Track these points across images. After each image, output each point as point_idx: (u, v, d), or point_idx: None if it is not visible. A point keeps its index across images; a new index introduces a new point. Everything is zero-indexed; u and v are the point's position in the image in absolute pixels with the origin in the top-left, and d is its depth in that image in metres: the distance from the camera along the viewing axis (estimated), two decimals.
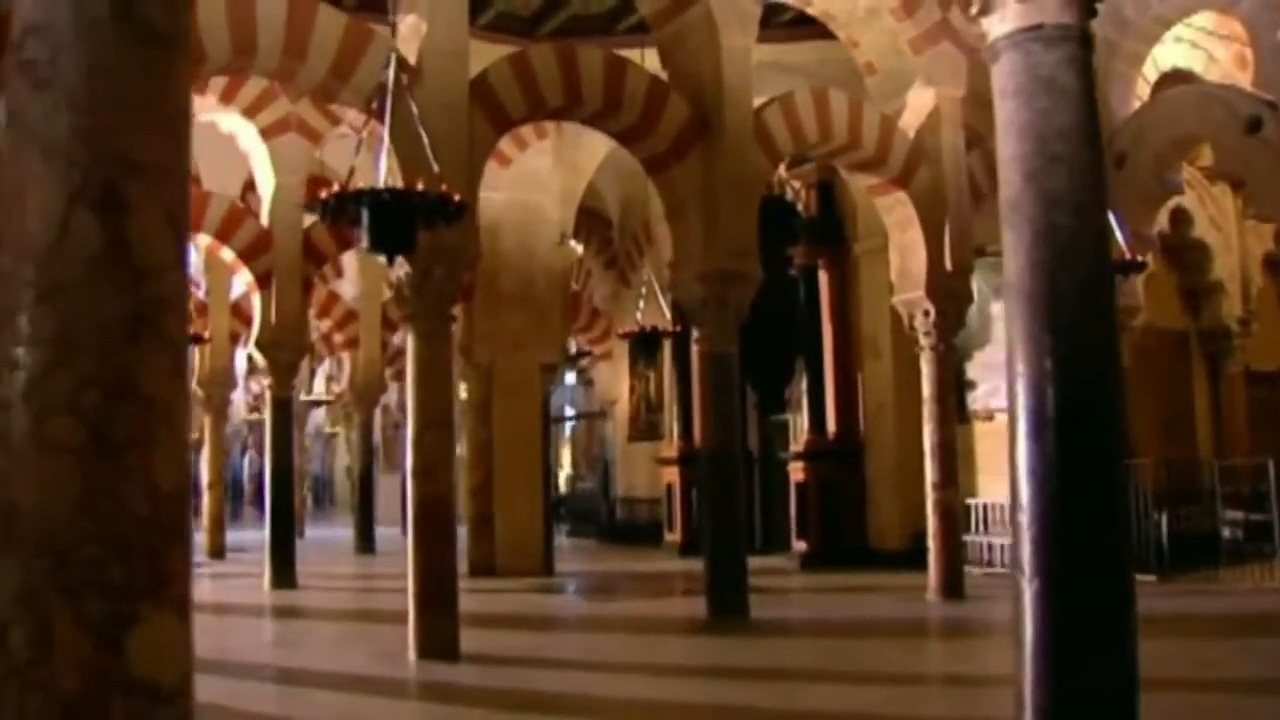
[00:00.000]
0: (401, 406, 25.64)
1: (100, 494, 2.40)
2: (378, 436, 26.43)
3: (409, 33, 9.76)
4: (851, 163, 12.75)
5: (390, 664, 9.14)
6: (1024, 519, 4.56)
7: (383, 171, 7.16)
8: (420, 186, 6.85)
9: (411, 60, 9.42)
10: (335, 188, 6.81)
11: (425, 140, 7.44)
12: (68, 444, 2.39)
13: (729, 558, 11.13)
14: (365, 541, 20.44)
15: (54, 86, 2.48)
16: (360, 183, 6.91)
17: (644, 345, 16.48)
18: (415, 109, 7.64)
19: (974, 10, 4.80)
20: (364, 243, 6.84)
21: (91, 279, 2.44)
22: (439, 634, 9.22)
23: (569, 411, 28.83)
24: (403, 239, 6.81)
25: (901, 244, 12.90)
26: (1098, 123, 4.71)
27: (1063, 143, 4.58)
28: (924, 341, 12.69)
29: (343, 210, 6.72)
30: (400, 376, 24.76)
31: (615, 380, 22.79)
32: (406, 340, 9.65)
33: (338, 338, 21.80)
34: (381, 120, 7.46)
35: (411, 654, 9.16)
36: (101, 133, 2.48)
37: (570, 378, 27.02)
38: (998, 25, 4.71)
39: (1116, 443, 4.60)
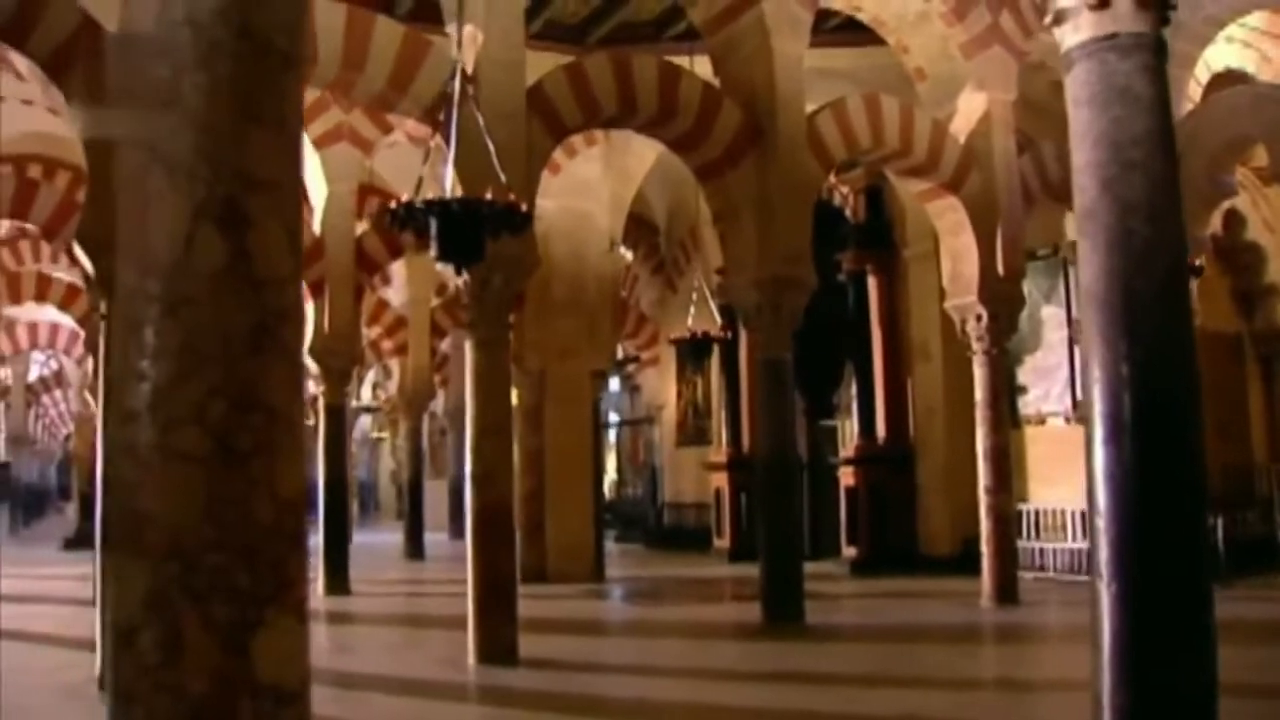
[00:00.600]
0: (449, 412, 25.81)
1: (226, 502, 2.47)
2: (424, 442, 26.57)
3: (465, 42, 9.85)
4: (903, 168, 12.75)
5: (451, 668, 9.21)
6: (1102, 523, 4.57)
7: (449, 182, 7.24)
8: (488, 196, 6.92)
9: (468, 70, 9.51)
10: (404, 197, 6.89)
11: (492, 150, 7.52)
12: (195, 453, 2.46)
13: (784, 563, 11.14)
14: (414, 547, 20.56)
15: (177, 106, 2.55)
16: (429, 193, 6.99)
17: (694, 351, 16.50)
18: (481, 119, 7.71)
19: (1047, 20, 4.82)
20: (433, 252, 6.92)
21: (216, 292, 2.50)
22: (498, 639, 9.29)
23: (613, 418, 28.89)
24: (471, 248, 6.88)
25: (953, 249, 12.89)
26: (1172, 129, 4.73)
27: (1138, 150, 4.59)
28: (976, 346, 12.66)
29: (411, 220, 6.80)
30: (446, 383, 24.92)
31: (662, 386, 22.85)
32: (465, 348, 9.71)
33: (386, 344, 21.95)
34: (446, 131, 7.54)
35: (471, 658, 9.23)
36: (224, 150, 2.55)
37: (615, 384, 27.08)
38: (1071, 35, 4.73)
39: (1195, 446, 4.59)
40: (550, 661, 9.42)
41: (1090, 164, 4.67)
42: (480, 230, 6.81)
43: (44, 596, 16.01)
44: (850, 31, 14.05)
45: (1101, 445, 4.60)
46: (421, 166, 7.40)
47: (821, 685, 8.49)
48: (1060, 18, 4.76)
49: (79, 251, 8.91)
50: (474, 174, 7.95)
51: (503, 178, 7.29)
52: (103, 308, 8.85)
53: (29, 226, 15.01)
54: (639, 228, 20.60)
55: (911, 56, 13.23)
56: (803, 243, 11.24)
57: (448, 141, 7.55)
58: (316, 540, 15.26)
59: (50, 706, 8.07)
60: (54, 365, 33.57)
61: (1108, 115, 4.62)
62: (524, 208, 7.15)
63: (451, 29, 10.17)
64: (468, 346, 9.70)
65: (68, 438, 44.08)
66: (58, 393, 35.65)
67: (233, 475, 2.48)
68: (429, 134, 10.03)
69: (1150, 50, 4.66)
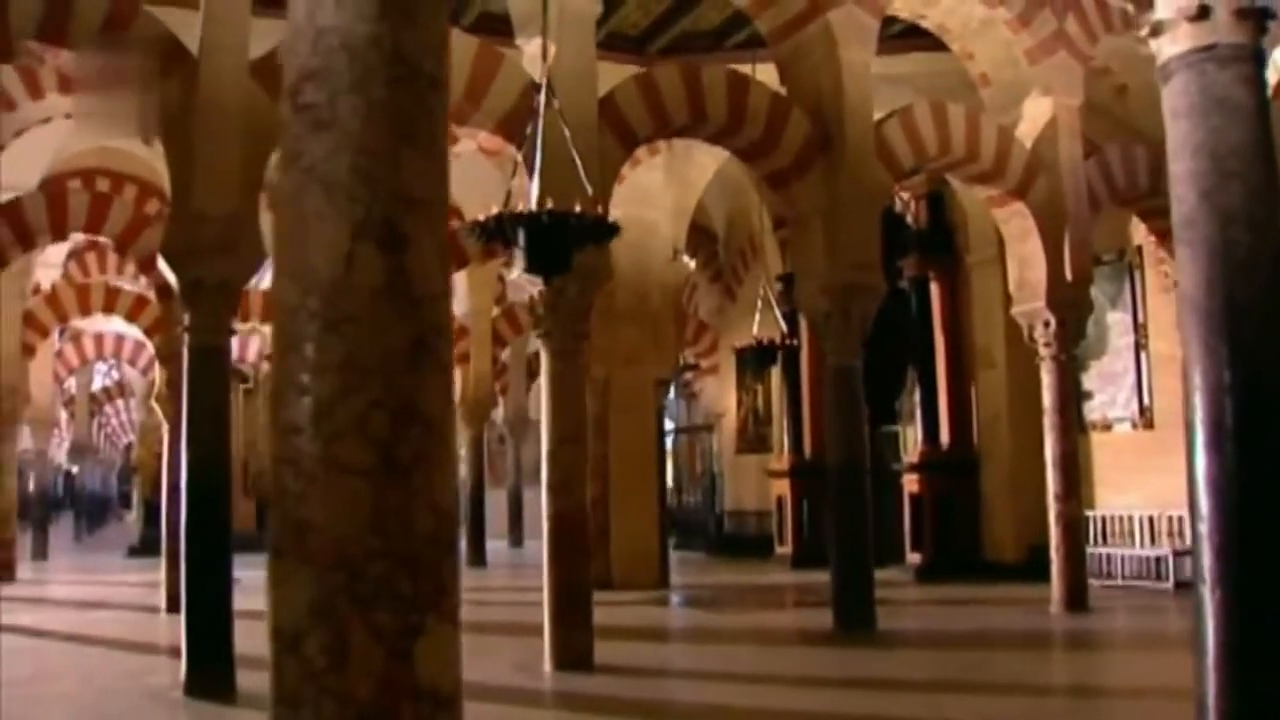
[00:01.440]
0: (508, 421, 25.95)
1: (389, 512, 2.55)
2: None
3: (536, 55, 9.96)
4: (969, 175, 12.74)
5: (527, 675, 9.28)
6: (1204, 529, 4.59)
7: (535, 194, 7.33)
8: (577, 208, 7.01)
9: (540, 82, 9.61)
10: (493, 210, 6.99)
11: (578, 162, 7.61)
12: (358, 465, 2.54)
13: (855, 570, 11.15)
14: (477, 555, 20.69)
15: (334, 128, 2.64)
16: (517, 205, 7.09)
17: (759, 358, 16.52)
18: (566, 131, 7.80)
19: (1143, 32, 4.85)
20: (521, 264, 7.02)
21: (376, 309, 2.59)
22: (574, 645, 9.37)
23: (670, 425, 28.94)
24: (559, 260, 6.98)
25: (1020, 255, 12.86)
26: (1271, 139, 4.74)
27: (1237, 159, 4.62)
28: (1044, 352, 12.64)
29: (500, 232, 6.90)
30: (505, 391, 25.08)
31: (722, 393, 22.89)
32: (541, 357, 9.81)
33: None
34: (531, 143, 7.64)
35: (547, 665, 9.31)
36: (380, 171, 2.63)
37: (671, 391, 27.14)
38: (1169, 46, 4.76)
39: None
40: (624, 668, 9.48)
41: (1189, 174, 4.70)
42: (568, 242, 6.91)
43: (114, 603, 16.28)
44: (910, 38, 14.05)
45: (1203, 451, 4.62)
46: (509, 180, 7.50)
47: (899, 691, 8.52)
48: (1157, 30, 4.79)
49: (163, 264, 9.07)
50: (556, 186, 8.04)
51: (589, 190, 7.38)
52: (185, 319, 9.01)
53: (102, 240, 15.20)
54: (698, 236, 20.65)
55: (976, 63, 13.22)
56: (872, 250, 11.26)
57: (532, 154, 7.64)
58: None
59: (137, 711, 8.22)
60: (114, 375, 34.04)
61: (1206, 125, 4.65)
62: (611, 219, 7.24)
63: (522, 42, 10.31)
64: (543, 355, 9.80)
65: (128, 446, 44.70)
66: (119, 402, 36.13)
67: (395, 486, 2.56)
68: (501, 146, 10.18)
69: (1249, 60, 4.68)
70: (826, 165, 11.28)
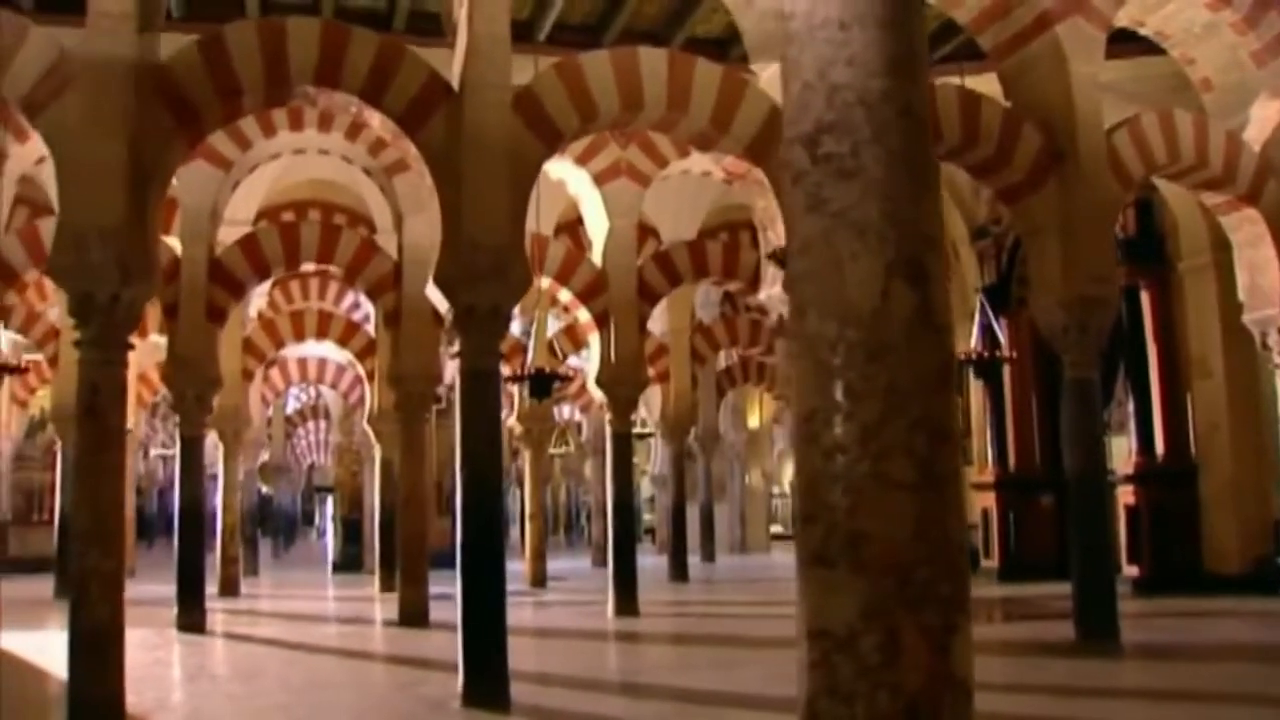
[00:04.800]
0: (699, 438, 26.26)
1: (930, 522, 2.82)
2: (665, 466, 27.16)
3: (775, 81, 10.24)
4: (1197, 182, 12.65)
5: (787, 684, 9.42)
6: None
7: None
8: None
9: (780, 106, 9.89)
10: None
11: None
12: (904, 480, 2.82)
13: (1098, 580, 11.16)
14: (679, 569, 20.99)
15: (859, 176, 2.93)
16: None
17: (979, 371, 16.53)
18: None
19: None
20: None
21: (909, 339, 2.86)
22: None
23: None
24: None
25: (1251, 261, 12.73)
26: None
27: None
28: (1278, 359, 12.48)
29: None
30: (697, 407, 25.39)
31: None
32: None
33: (649, 371, 22.49)
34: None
35: None
36: (903, 213, 2.91)
37: None
38: None
39: None
40: None
41: None
42: None
43: (345, 617, 16.91)
44: (1118, 44, 13.92)
45: None
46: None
47: (1176, 702, 8.51)
48: None
49: (434, 292, 9.52)
50: None
51: None
52: (457, 344, 9.45)
53: (332, 269, 15.93)
54: None
55: (1197, 67, 13.15)
56: (1108, 262, 11.31)
57: None
58: (573, 564, 15.74)
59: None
60: (304, 398, 35.27)
61: None
62: None
63: (758, 67, 10.61)
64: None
65: (310, 466, 46.20)
66: (311, 424, 37.38)
67: (935, 499, 2.83)
68: (747, 170, 10.48)
69: None
70: (1059, 179, 11.35)
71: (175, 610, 13.81)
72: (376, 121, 9.90)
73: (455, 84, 9.59)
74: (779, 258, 7.34)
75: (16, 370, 13.36)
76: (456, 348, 9.44)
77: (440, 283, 9.38)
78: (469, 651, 8.98)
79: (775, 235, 10.20)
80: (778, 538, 34.19)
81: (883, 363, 2.83)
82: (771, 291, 10.06)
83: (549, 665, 11.14)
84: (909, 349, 2.85)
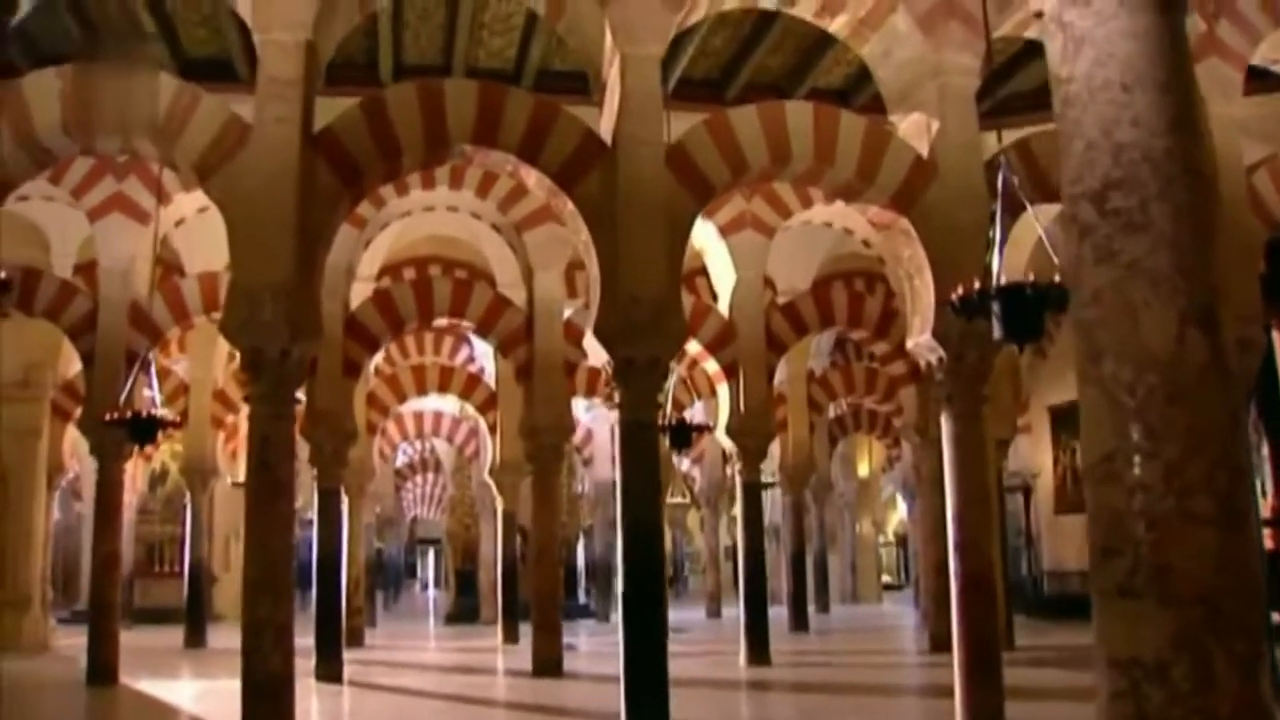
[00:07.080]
0: (811, 486, 26.26)
1: (1231, 555, 2.97)
2: (778, 516, 27.16)
3: (914, 130, 10.41)
4: None
5: None
6: None
7: (998, 266, 7.76)
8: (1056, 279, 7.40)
9: (924, 156, 10.07)
10: (975, 284, 7.44)
11: (1043, 236, 8.01)
12: (1207, 516, 2.98)
13: None
14: (799, 620, 20.96)
15: (1149, 230, 3.11)
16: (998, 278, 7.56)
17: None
18: (1029, 209, 8.21)
19: None
20: (997, 333, 7.45)
21: (1203, 381, 3.03)
22: (986, 706, 9.56)
23: None
24: (1034, 327, 7.40)
25: None
26: None
27: None
28: None
29: (983, 305, 7.35)
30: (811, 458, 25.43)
31: (1034, 453, 22.76)
32: (942, 421, 10.13)
33: None
34: (1004, 221, 8.08)
35: None
36: (1192, 264, 3.09)
37: None
38: None
39: None
40: None
41: None
42: (1043, 310, 7.32)
43: (476, 667, 17.04)
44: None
45: None
46: (987, 255, 7.95)
47: None
48: None
49: (594, 344, 9.77)
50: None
51: (1055, 259, 7.76)
52: (618, 396, 9.68)
53: (464, 324, 16.30)
54: None
55: None
56: (1254, 303, 11.29)
57: (1003, 230, 8.08)
58: (683, 614, 15.73)
59: None
60: (410, 451, 35.73)
61: None
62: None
63: (896, 118, 10.79)
64: (944, 420, 10.12)
65: (414, 519, 46.75)
66: (420, 476, 37.85)
67: (1235, 534, 2.99)
68: (893, 220, 10.63)
69: None
70: None
71: (314, 660, 14.05)
72: (533, 179, 10.19)
73: (608, 140, 9.88)
74: (957, 305, 7.49)
75: (170, 425, 13.74)
76: (619, 398, 9.67)
77: (599, 335, 9.62)
78: (631, 700, 9.13)
79: (922, 284, 10.31)
80: (888, 587, 33.95)
81: (1181, 405, 3.00)
82: (920, 340, 10.16)
83: (700, 714, 11.23)
84: (1204, 391, 3.01)
